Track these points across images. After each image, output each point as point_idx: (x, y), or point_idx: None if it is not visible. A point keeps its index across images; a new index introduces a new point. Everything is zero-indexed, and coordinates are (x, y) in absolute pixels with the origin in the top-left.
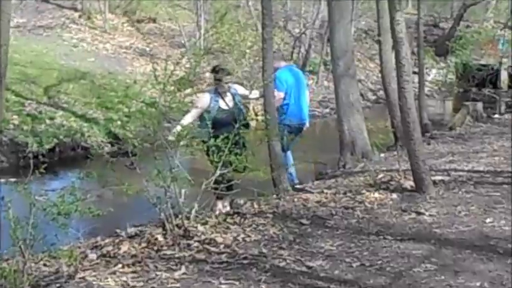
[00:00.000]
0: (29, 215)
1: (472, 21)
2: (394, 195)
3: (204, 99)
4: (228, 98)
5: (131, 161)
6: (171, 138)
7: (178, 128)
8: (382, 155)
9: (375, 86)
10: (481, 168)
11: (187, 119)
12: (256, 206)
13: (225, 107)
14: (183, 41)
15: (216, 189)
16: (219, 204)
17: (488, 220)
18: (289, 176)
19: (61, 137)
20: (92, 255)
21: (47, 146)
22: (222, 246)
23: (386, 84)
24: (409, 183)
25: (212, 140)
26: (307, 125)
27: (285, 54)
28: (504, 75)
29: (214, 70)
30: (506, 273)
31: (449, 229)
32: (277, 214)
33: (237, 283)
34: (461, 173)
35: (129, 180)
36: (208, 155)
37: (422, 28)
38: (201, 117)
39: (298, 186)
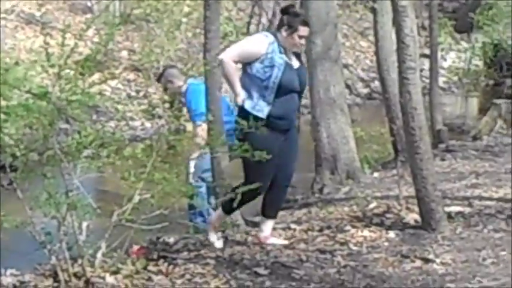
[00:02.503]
0: None
1: None
2: (392, 234)
3: (261, 43)
4: (294, 58)
5: (9, 179)
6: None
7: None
8: (376, 174)
9: (368, 74)
10: None
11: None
12: (191, 247)
13: (296, 66)
14: (89, 4)
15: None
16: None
17: None
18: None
19: None
20: None
21: None
22: None
23: (383, 73)
24: (412, 217)
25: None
26: None
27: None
28: None
29: (286, 11)
30: None
31: (469, 283)
32: (222, 260)
33: None
34: (488, 203)
35: (6, 207)
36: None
37: None
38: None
39: (254, 219)
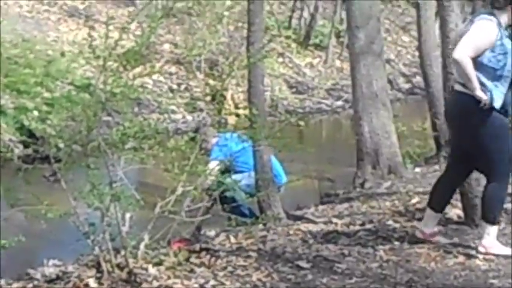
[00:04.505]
0: None
1: None
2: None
3: (492, 30)
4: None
5: (53, 170)
6: None
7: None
8: (418, 169)
9: (410, 69)
10: None
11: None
12: (233, 240)
13: None
14: None
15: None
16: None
17: None
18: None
19: None
20: None
21: None
22: None
23: (426, 68)
24: (455, 212)
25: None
26: None
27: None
28: None
29: None
30: None
31: None
32: (263, 253)
33: None
34: None
35: (50, 198)
36: None
37: None
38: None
39: (295, 213)
